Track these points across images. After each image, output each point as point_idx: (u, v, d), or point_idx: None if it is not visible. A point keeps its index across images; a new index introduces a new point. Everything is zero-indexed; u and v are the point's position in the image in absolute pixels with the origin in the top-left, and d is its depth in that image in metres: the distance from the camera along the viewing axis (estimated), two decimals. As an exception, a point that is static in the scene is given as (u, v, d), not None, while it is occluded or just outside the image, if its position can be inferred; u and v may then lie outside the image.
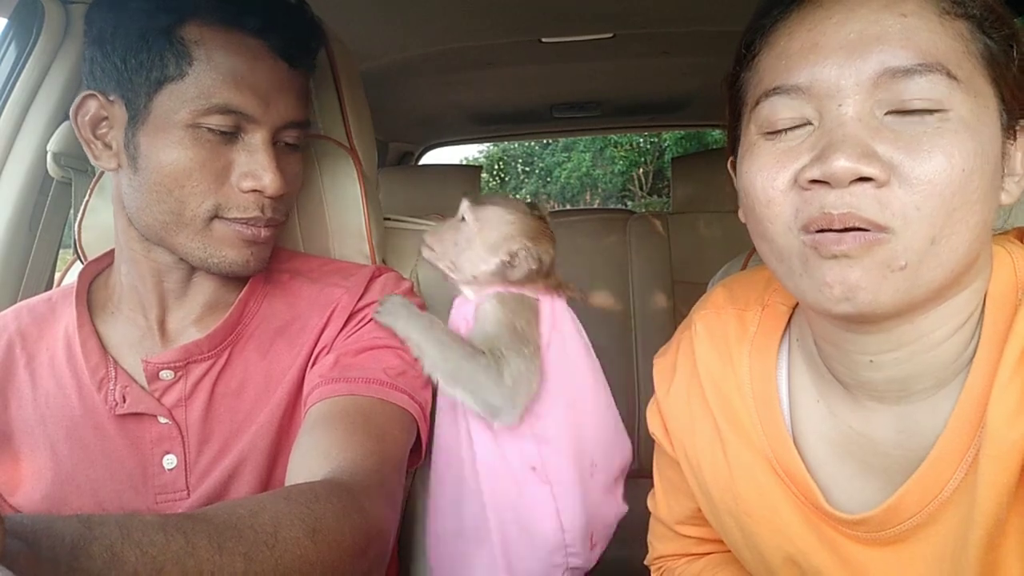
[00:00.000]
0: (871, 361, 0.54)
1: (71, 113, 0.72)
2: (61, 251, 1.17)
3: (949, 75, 0.46)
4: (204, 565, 0.43)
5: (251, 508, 0.49)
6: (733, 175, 0.59)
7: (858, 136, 0.47)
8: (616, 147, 10.47)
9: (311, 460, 0.63)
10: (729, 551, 0.74)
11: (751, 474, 0.62)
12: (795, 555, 0.60)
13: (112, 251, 0.82)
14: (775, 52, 0.52)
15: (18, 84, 1.03)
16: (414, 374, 0.77)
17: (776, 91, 0.50)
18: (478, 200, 0.84)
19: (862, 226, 0.46)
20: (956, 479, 0.51)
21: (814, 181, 0.47)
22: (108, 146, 0.72)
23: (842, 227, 0.46)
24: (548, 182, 11.29)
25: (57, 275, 1.06)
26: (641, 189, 10.29)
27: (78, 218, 0.93)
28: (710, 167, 1.96)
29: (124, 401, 0.73)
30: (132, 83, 0.68)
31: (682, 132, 8.80)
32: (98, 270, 0.83)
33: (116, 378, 0.74)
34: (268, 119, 0.70)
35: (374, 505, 0.58)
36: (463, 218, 0.83)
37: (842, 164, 0.45)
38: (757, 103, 0.52)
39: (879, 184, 0.46)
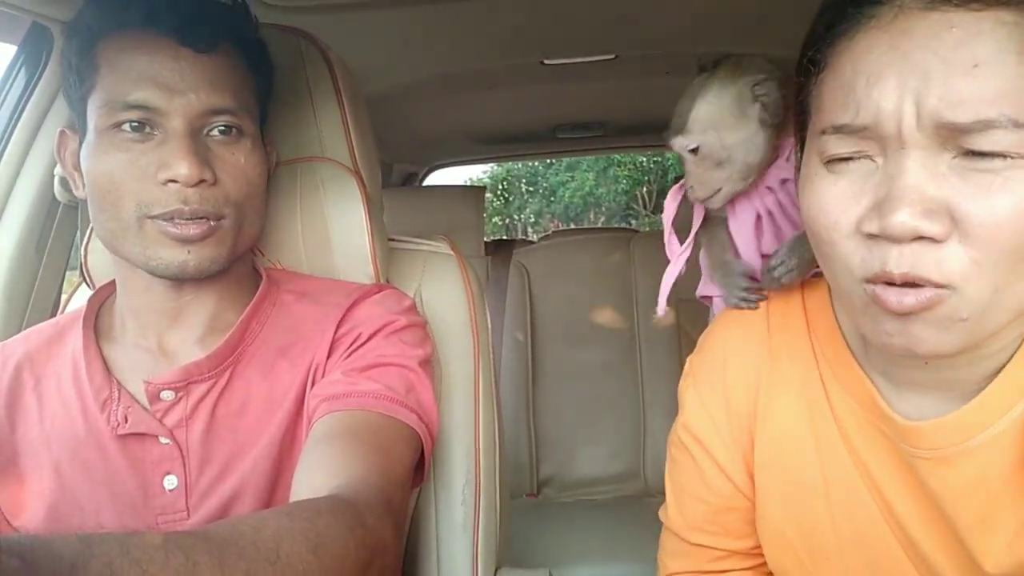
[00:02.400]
0: (926, 363, 0.54)
1: (54, 151, 0.77)
2: (67, 273, 1.18)
3: (1016, 124, 0.44)
4: None
5: (253, 524, 0.49)
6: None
7: (919, 187, 0.46)
8: (619, 166, 10.51)
9: (315, 476, 0.63)
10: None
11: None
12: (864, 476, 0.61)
13: None
14: (840, 81, 0.50)
15: (27, 109, 1.05)
16: (423, 392, 0.77)
17: (840, 130, 0.50)
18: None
19: (922, 284, 0.46)
20: (1017, 410, 0.52)
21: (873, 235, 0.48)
22: (83, 176, 0.75)
23: (902, 283, 0.47)
24: (552, 201, 11.32)
25: (63, 297, 1.07)
26: (645, 208, 10.30)
27: (84, 241, 0.93)
28: (713, 185, 1.97)
29: (126, 422, 0.73)
30: (75, 109, 0.74)
31: (685, 151, 8.83)
32: (107, 295, 0.84)
33: (119, 399, 0.75)
34: (178, 109, 0.70)
35: (378, 520, 0.57)
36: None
37: (901, 221, 0.45)
38: (822, 133, 0.52)
39: (938, 241, 0.45)
